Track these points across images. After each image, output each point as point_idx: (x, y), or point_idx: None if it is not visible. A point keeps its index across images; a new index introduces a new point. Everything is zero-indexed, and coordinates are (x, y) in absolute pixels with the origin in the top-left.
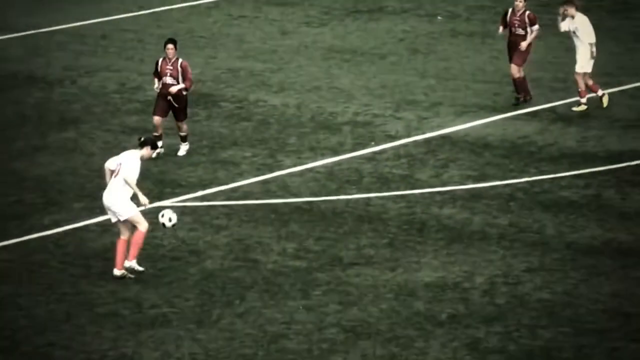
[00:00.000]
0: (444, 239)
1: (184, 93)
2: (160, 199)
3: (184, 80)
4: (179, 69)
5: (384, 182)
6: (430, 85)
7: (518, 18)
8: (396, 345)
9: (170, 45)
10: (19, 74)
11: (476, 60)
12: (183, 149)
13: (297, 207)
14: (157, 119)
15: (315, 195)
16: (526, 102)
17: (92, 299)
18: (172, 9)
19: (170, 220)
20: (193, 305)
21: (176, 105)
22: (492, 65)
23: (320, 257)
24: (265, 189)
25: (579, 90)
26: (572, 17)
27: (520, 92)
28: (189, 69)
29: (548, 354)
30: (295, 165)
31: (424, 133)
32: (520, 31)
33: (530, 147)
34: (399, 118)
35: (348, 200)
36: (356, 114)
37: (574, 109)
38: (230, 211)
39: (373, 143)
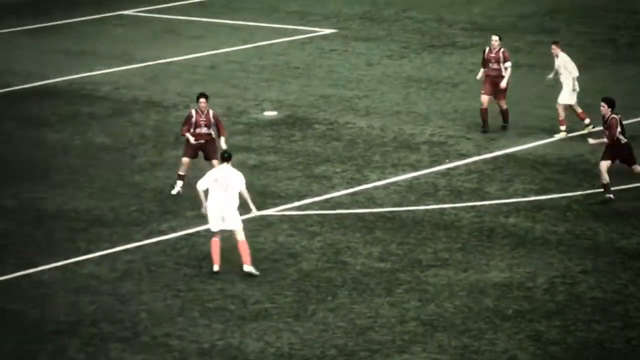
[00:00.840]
0: (510, 244)
1: (213, 136)
2: (262, 208)
3: (218, 131)
4: (211, 119)
5: (456, 195)
6: (497, 110)
7: (494, 55)
8: (468, 336)
9: (202, 99)
10: (139, 99)
11: (536, 89)
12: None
13: (381, 215)
14: (185, 160)
15: (397, 206)
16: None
17: (203, 295)
18: (272, 44)
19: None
20: (291, 301)
21: (205, 147)
22: (550, 93)
23: (401, 259)
24: (354, 199)
25: (559, 119)
26: (557, 56)
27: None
28: (219, 118)
29: (601, 345)
30: (379, 180)
31: (491, 152)
32: (496, 66)
33: (584, 165)
34: (469, 139)
35: (426, 210)
36: (432, 134)
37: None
38: (323, 219)
39: (447, 160)
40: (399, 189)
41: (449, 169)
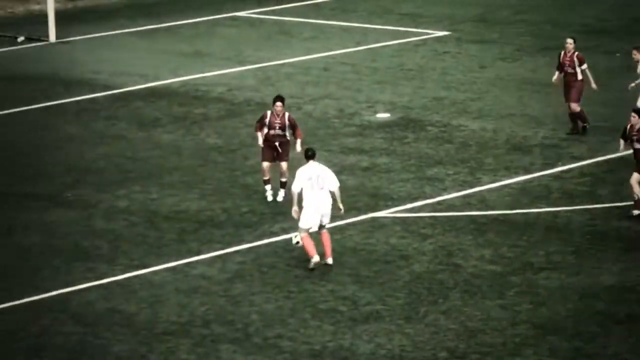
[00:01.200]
0: (622, 248)
1: (288, 137)
2: (374, 210)
3: (293, 131)
4: (287, 121)
5: (569, 198)
6: (609, 113)
7: (568, 58)
8: (580, 340)
9: (278, 103)
10: (252, 100)
11: None
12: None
13: (493, 218)
14: (265, 164)
15: (510, 208)
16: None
17: (314, 296)
18: (385, 46)
19: (295, 236)
20: (402, 303)
21: (279, 149)
22: None
23: (513, 262)
24: (466, 202)
25: None
26: (638, 61)
27: (585, 122)
28: (294, 120)
29: None
30: (492, 182)
31: (604, 155)
32: (571, 70)
33: None
34: (582, 141)
35: (538, 213)
36: (545, 137)
37: None
38: (435, 221)
39: (560, 163)
40: (512, 191)
41: (561, 171)
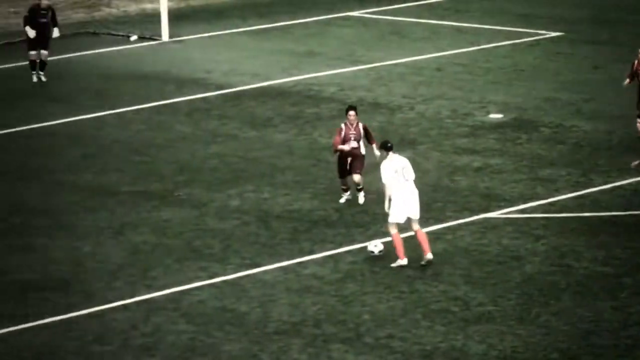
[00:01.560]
0: None
1: (362, 151)
2: (487, 211)
3: (368, 140)
4: (361, 131)
5: None
6: None
7: None
8: None
9: (351, 112)
10: (364, 100)
11: None
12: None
13: (606, 220)
14: (343, 180)
15: (623, 210)
16: None
17: (426, 297)
18: (497, 46)
19: (376, 246)
20: (514, 304)
21: (353, 161)
22: None
23: (626, 263)
24: (578, 203)
25: None
26: None
27: None
28: (369, 128)
29: None
30: (605, 184)
31: None
32: None
33: None
34: None
35: None
36: None
37: None
38: (547, 222)
39: None
40: (625, 192)
41: None
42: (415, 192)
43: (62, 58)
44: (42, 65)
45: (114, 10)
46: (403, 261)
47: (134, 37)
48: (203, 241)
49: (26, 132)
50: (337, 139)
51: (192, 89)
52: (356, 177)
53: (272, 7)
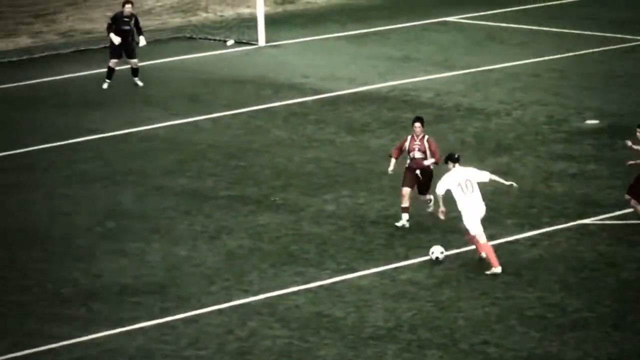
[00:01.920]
0: None
1: (432, 167)
2: (583, 217)
3: (432, 155)
4: (426, 144)
5: None
6: None
7: None
8: None
9: (417, 124)
10: (461, 105)
11: None
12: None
13: None
14: (405, 190)
15: None
16: None
17: (521, 303)
18: (594, 52)
19: (442, 253)
20: (610, 310)
21: (421, 179)
22: None
23: None
24: None
25: None
26: None
27: None
28: (435, 144)
29: None
30: None
31: None
32: None
33: None
34: None
35: None
36: None
37: None
38: None
39: None
40: None
41: None
42: (482, 203)
43: (158, 63)
44: (135, 71)
45: (210, 15)
46: (497, 269)
47: (230, 42)
48: (299, 246)
49: (122, 136)
50: (396, 149)
51: (289, 94)
52: (427, 197)
53: (369, 12)
